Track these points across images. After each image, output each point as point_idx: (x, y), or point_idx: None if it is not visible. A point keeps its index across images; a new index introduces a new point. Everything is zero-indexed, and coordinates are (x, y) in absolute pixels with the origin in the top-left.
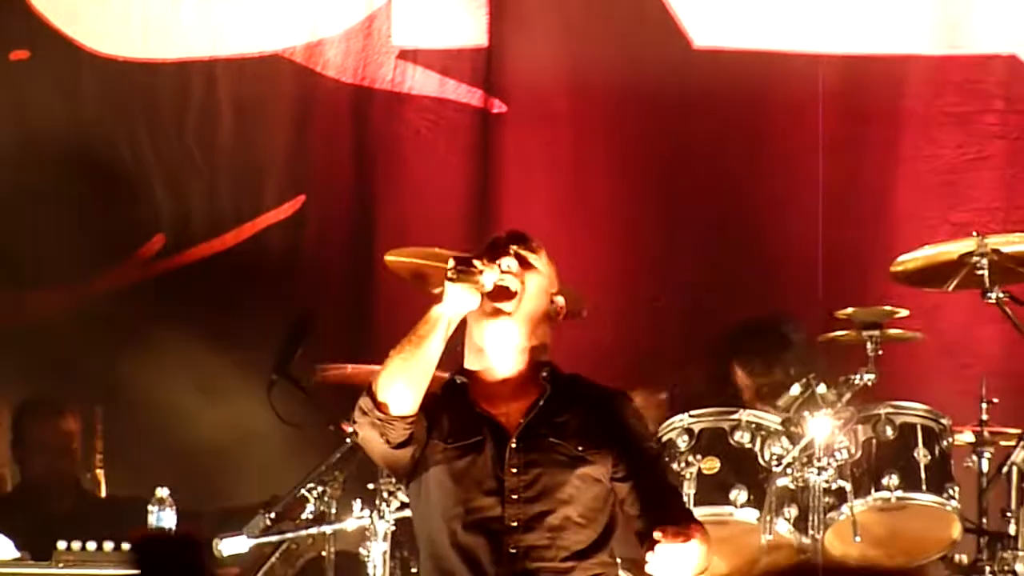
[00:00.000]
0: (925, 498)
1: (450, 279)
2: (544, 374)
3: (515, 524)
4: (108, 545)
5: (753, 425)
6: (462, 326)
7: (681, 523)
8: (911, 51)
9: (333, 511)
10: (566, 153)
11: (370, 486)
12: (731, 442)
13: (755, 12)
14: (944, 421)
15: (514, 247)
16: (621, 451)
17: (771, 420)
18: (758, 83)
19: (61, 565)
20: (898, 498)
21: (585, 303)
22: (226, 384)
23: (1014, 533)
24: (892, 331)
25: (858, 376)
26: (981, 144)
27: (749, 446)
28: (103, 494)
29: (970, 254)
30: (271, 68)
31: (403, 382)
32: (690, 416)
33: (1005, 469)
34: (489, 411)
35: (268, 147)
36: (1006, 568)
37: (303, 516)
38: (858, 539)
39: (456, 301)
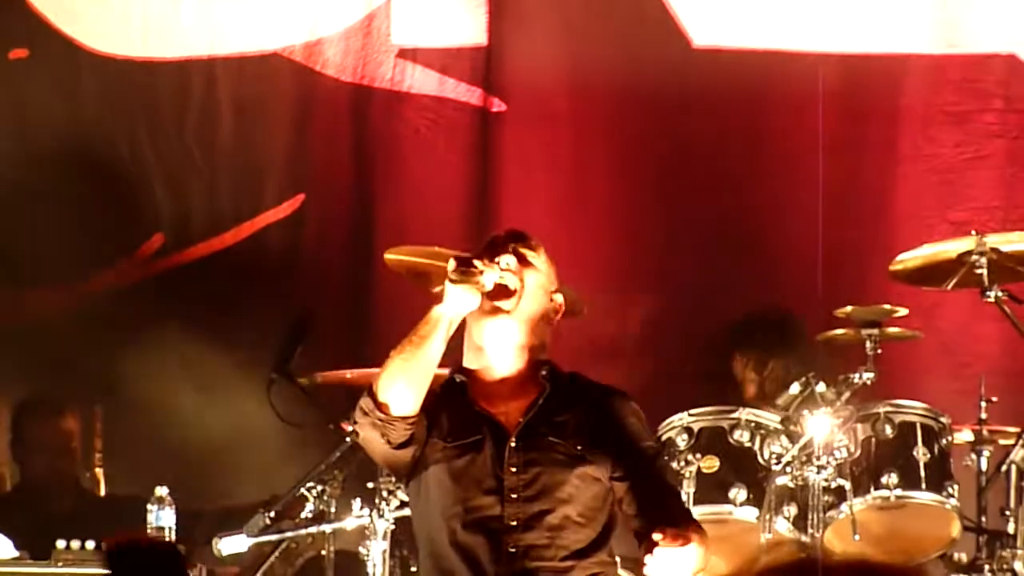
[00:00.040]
0: (924, 497)
1: (452, 280)
2: (543, 373)
3: (514, 523)
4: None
5: (752, 424)
6: (461, 324)
7: (679, 524)
8: (910, 50)
9: (333, 510)
10: (566, 152)
11: (370, 485)
12: (730, 441)
13: (755, 11)
14: (943, 420)
15: (513, 245)
16: (620, 450)
17: (770, 419)
18: (758, 82)
19: (60, 564)
20: (897, 497)
21: (585, 302)
22: (225, 383)
23: (1013, 532)
24: (891, 330)
25: (857, 375)
26: (980, 143)
27: (748, 445)
28: (102, 493)
29: (969, 253)
30: (270, 67)
31: (404, 382)
32: (689, 415)
33: (1004, 468)
34: (488, 410)
35: (267, 146)
36: (1005, 567)
37: (303, 515)
38: (857, 538)
39: (457, 301)
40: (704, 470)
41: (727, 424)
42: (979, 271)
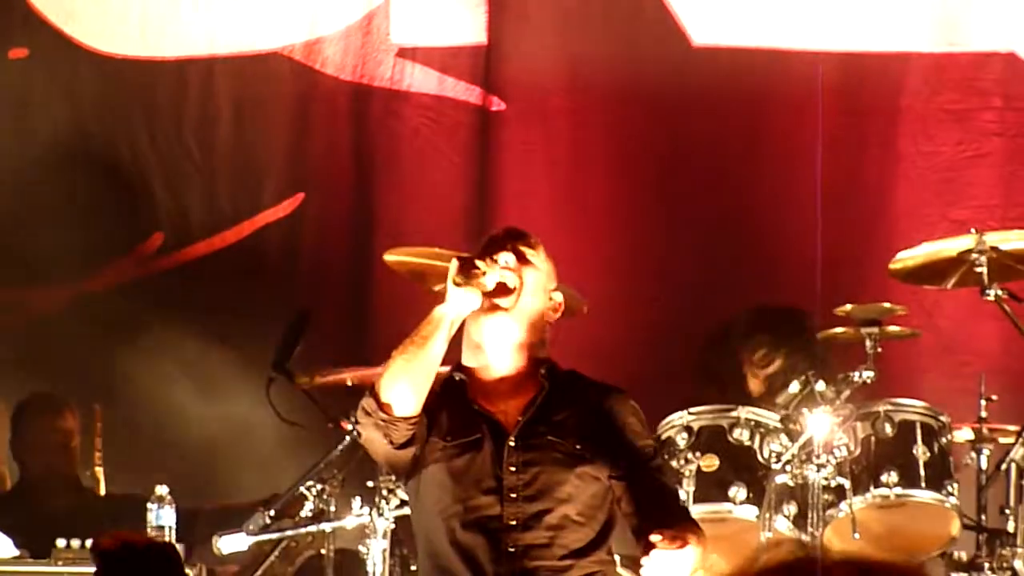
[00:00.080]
0: (924, 495)
1: (456, 283)
2: (542, 371)
3: (514, 523)
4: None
5: (752, 422)
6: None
7: (677, 524)
8: (910, 48)
9: (332, 509)
10: (565, 151)
11: (369, 484)
12: (730, 439)
13: (754, 10)
14: (943, 418)
15: (512, 243)
16: (618, 449)
17: (770, 417)
18: (757, 81)
19: (60, 563)
20: (897, 495)
21: (585, 300)
22: (225, 382)
23: (1013, 530)
24: (891, 328)
25: (857, 373)
26: (979, 141)
27: (748, 443)
28: (102, 492)
29: (969, 251)
30: (270, 66)
31: (406, 383)
32: (689, 413)
33: (1004, 466)
34: (487, 408)
35: (267, 145)
36: (1005, 565)
37: (302, 514)
38: (857, 536)
39: (459, 302)
40: (704, 469)
41: (727, 423)
42: (979, 269)
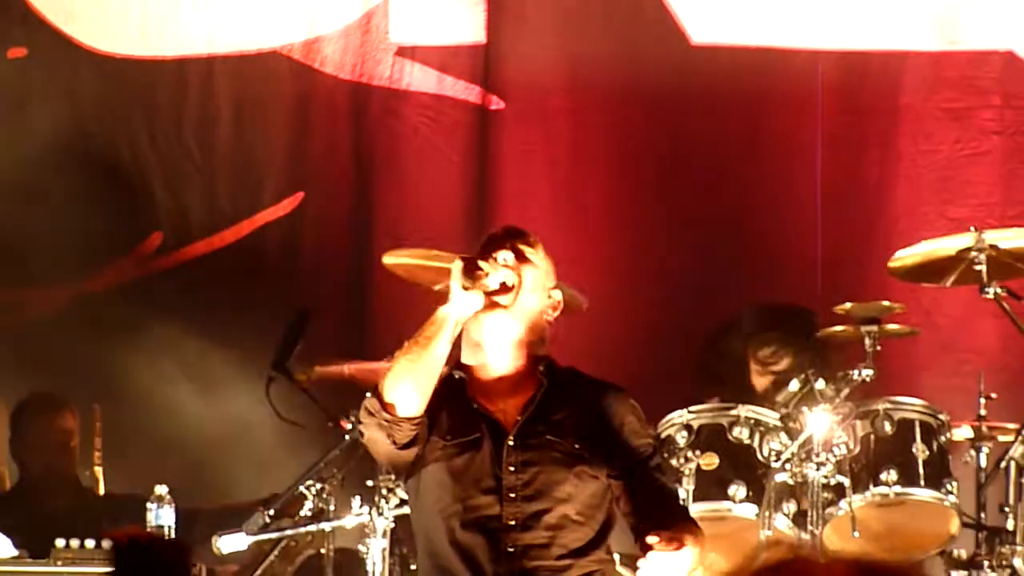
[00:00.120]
0: (923, 493)
1: (465, 287)
2: (541, 368)
3: (513, 523)
4: (107, 543)
5: (752, 421)
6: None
7: (675, 524)
8: (909, 47)
9: (332, 508)
10: (564, 149)
11: (369, 483)
12: (730, 438)
13: (753, 8)
14: (942, 417)
15: (511, 241)
16: (617, 448)
17: (770, 416)
18: (756, 79)
19: (59, 563)
20: (896, 493)
21: (585, 297)
22: (224, 381)
23: (1012, 528)
24: (890, 326)
25: (856, 371)
26: (978, 140)
27: (748, 442)
28: (102, 491)
29: (968, 249)
30: (269, 65)
31: (410, 384)
32: (689, 412)
33: (1003, 464)
34: (486, 407)
35: (266, 144)
36: (1004, 563)
37: (302, 513)
38: (856, 535)
39: (463, 303)
40: (703, 467)
41: (726, 421)
42: (978, 267)
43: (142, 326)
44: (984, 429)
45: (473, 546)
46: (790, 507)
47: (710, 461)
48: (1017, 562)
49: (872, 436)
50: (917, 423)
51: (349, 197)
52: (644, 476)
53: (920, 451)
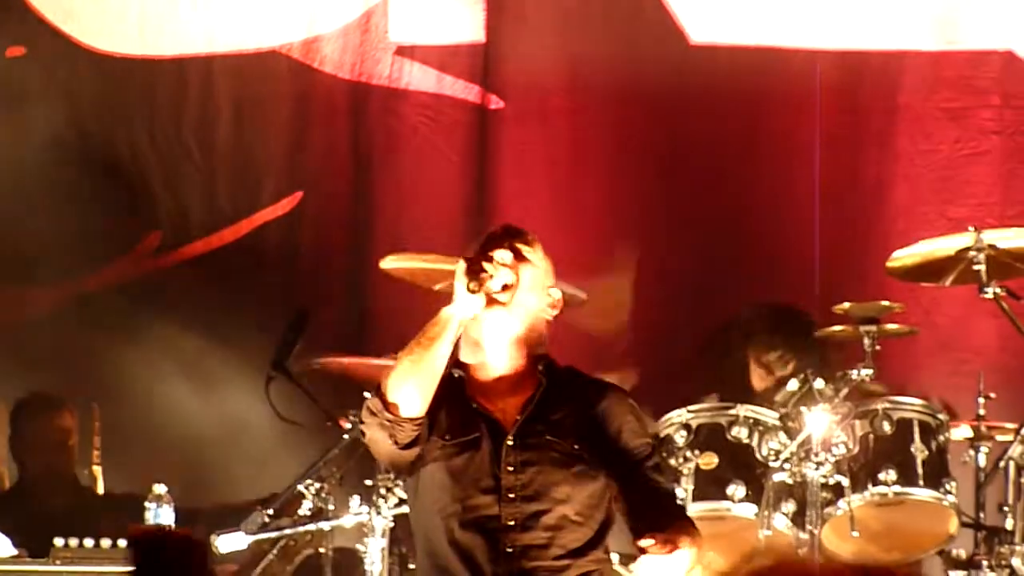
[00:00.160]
0: (922, 493)
1: (471, 290)
2: (540, 367)
3: (512, 523)
4: (105, 542)
5: (751, 420)
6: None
7: (671, 526)
8: (908, 47)
9: (331, 507)
10: (563, 148)
11: (368, 482)
12: (729, 437)
13: (752, 8)
14: (941, 416)
15: (509, 240)
16: (615, 449)
17: (769, 415)
18: (755, 79)
19: (58, 562)
20: (895, 493)
21: (585, 292)
22: (224, 381)
23: (1011, 528)
24: (889, 326)
25: (855, 371)
26: (977, 140)
27: (747, 441)
28: (100, 491)
29: (967, 249)
30: (268, 64)
31: (413, 384)
32: (688, 411)
33: (1002, 464)
34: (486, 407)
35: (266, 144)
36: (1003, 563)
37: (301, 512)
38: (855, 534)
39: (467, 304)
40: (702, 467)
41: (725, 420)
42: (977, 267)
43: (141, 325)
44: (983, 429)
45: (472, 546)
46: (789, 507)
47: (709, 460)
48: (1016, 562)
49: (871, 436)
50: (916, 423)
51: (348, 197)
52: (641, 477)
53: (919, 451)
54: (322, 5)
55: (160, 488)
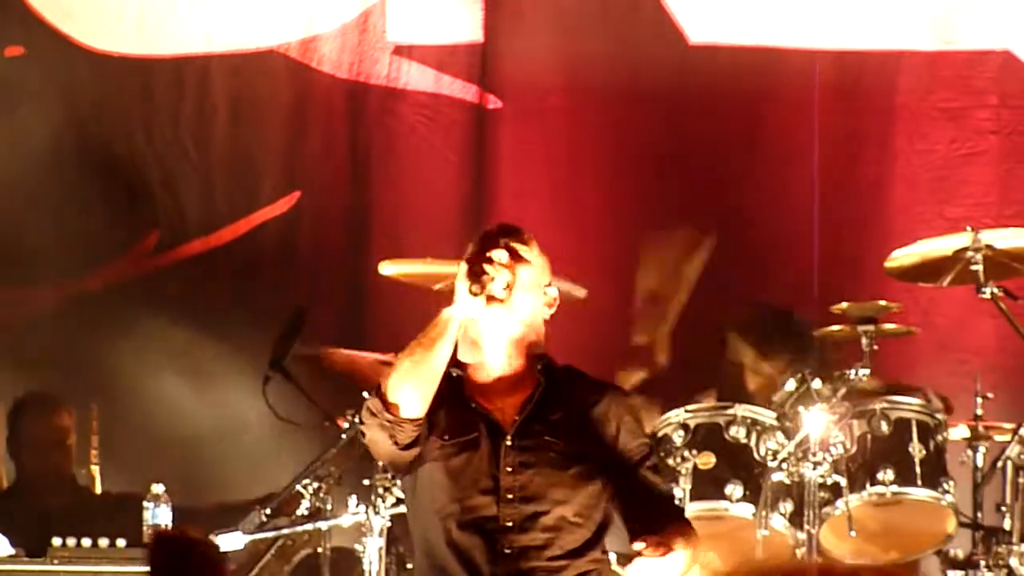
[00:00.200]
0: (920, 493)
1: (472, 292)
2: (539, 367)
3: (510, 524)
4: (103, 542)
5: (749, 420)
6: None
7: (665, 528)
8: (905, 47)
9: (329, 507)
10: (561, 148)
11: (366, 482)
12: (727, 437)
13: (750, 8)
14: (939, 416)
15: (505, 240)
16: (612, 449)
17: (767, 415)
18: (754, 79)
19: (56, 562)
20: (893, 493)
21: (584, 289)
22: (221, 380)
23: (1009, 528)
24: (887, 326)
25: (853, 371)
26: (975, 139)
27: (745, 441)
28: (98, 490)
29: (964, 249)
30: (266, 64)
31: (413, 385)
32: (686, 411)
33: (1000, 464)
34: (484, 406)
35: (263, 143)
36: (1001, 562)
37: (298, 512)
38: (853, 534)
39: (468, 305)
40: (700, 466)
41: (723, 420)
42: (975, 267)
43: (139, 325)
44: (981, 429)
45: (470, 547)
46: (787, 506)
47: (707, 460)
48: (1013, 561)
49: (869, 435)
50: (914, 422)
51: (346, 196)
52: (637, 478)
53: (917, 450)
54: (320, 5)
55: (158, 488)
